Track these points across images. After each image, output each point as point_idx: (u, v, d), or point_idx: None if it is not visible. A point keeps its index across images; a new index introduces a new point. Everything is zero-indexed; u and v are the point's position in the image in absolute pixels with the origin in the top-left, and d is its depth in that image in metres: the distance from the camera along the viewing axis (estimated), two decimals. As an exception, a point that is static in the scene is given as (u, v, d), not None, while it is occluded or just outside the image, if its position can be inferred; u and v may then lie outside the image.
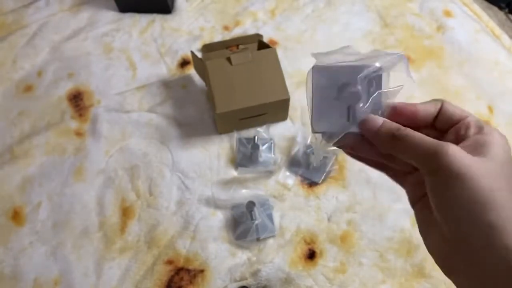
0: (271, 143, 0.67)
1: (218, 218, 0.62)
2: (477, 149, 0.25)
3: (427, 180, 0.26)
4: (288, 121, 0.70)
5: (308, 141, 0.65)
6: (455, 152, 0.24)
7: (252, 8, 0.83)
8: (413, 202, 0.30)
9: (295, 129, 0.69)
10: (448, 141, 0.26)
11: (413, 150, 0.26)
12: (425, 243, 0.28)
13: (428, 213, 0.27)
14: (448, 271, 0.26)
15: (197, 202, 0.63)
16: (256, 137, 0.64)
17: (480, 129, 0.27)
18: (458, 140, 0.27)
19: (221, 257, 0.59)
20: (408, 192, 0.31)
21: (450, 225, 0.25)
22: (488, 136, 0.26)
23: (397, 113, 0.30)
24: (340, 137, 0.30)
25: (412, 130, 0.27)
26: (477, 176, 0.24)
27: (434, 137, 0.26)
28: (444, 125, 0.29)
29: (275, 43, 0.79)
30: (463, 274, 0.25)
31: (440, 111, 0.29)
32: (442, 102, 0.29)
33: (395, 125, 0.28)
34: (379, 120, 0.29)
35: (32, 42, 0.79)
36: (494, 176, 0.24)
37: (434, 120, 0.29)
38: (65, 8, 0.83)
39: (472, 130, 0.27)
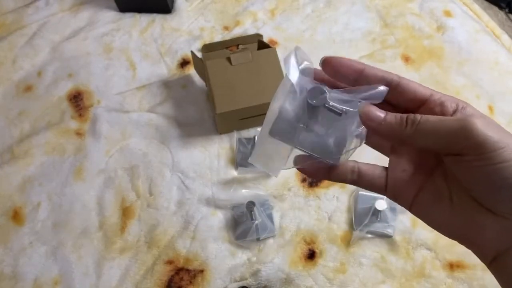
0: (271, 143, 0.67)
1: (218, 218, 0.62)
2: None
3: (458, 160, 0.25)
4: (288, 121, 0.70)
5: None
6: (483, 125, 0.24)
7: (252, 8, 0.83)
8: (410, 204, 0.29)
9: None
10: None
11: (434, 133, 0.25)
12: (433, 225, 0.28)
13: (431, 201, 0.28)
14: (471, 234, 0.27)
15: (197, 202, 0.63)
16: (256, 137, 0.64)
17: (456, 105, 0.27)
18: None
19: (221, 257, 0.59)
20: (399, 197, 0.29)
21: (492, 196, 0.25)
22: (468, 110, 0.26)
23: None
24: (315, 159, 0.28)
25: (424, 115, 0.26)
26: (509, 145, 0.24)
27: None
28: (404, 101, 0.28)
29: (275, 43, 0.79)
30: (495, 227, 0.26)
31: (397, 86, 0.28)
32: (399, 77, 0.28)
33: (400, 114, 0.27)
34: (381, 111, 0.27)
35: (32, 42, 0.78)
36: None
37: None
38: (65, 8, 0.83)
39: (449, 109, 0.27)
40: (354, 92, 0.28)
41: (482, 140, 0.24)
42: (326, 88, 0.28)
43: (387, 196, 0.30)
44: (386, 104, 0.29)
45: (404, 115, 0.26)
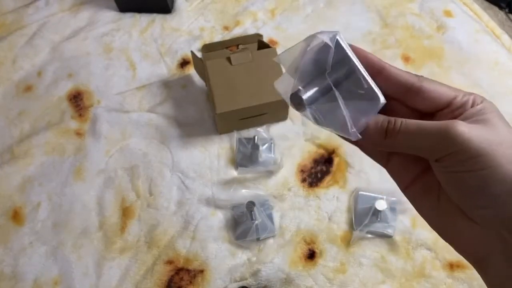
0: (271, 143, 0.67)
1: (218, 218, 0.62)
2: (478, 121, 0.24)
3: (438, 165, 0.24)
4: (288, 121, 0.70)
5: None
6: (466, 131, 0.23)
7: (252, 8, 0.83)
8: (404, 187, 0.29)
9: (295, 129, 0.69)
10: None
11: (415, 141, 0.24)
12: (422, 215, 0.28)
13: (422, 193, 0.28)
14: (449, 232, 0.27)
15: (197, 202, 0.63)
16: (256, 137, 0.64)
17: (473, 102, 0.26)
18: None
19: (221, 257, 0.59)
20: (396, 179, 0.29)
21: (468, 202, 0.24)
22: (478, 108, 0.25)
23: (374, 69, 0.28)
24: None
25: (405, 119, 0.25)
26: (493, 151, 0.22)
27: (408, 115, 0.26)
28: (424, 106, 0.27)
29: (275, 43, 0.79)
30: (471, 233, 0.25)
31: (418, 92, 0.26)
32: (421, 80, 0.27)
33: (383, 118, 0.25)
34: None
35: (32, 42, 0.78)
36: (503, 145, 0.23)
37: (405, 94, 0.27)
38: (65, 8, 0.83)
39: (467, 107, 0.26)
40: (346, 100, 0.26)
41: (461, 147, 0.23)
42: (305, 98, 0.26)
43: (387, 171, 0.30)
44: (401, 105, 0.27)
45: (385, 122, 0.25)
